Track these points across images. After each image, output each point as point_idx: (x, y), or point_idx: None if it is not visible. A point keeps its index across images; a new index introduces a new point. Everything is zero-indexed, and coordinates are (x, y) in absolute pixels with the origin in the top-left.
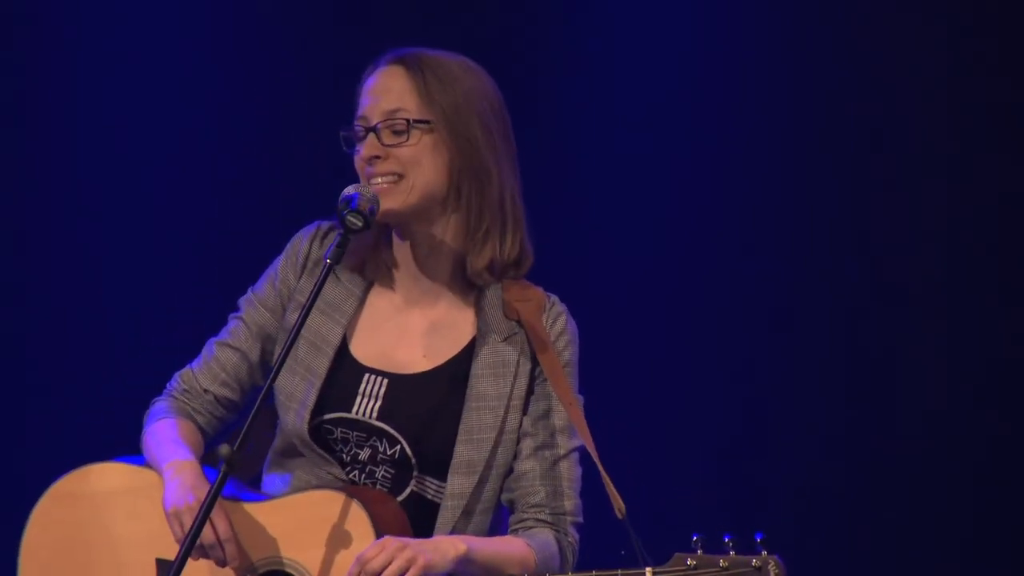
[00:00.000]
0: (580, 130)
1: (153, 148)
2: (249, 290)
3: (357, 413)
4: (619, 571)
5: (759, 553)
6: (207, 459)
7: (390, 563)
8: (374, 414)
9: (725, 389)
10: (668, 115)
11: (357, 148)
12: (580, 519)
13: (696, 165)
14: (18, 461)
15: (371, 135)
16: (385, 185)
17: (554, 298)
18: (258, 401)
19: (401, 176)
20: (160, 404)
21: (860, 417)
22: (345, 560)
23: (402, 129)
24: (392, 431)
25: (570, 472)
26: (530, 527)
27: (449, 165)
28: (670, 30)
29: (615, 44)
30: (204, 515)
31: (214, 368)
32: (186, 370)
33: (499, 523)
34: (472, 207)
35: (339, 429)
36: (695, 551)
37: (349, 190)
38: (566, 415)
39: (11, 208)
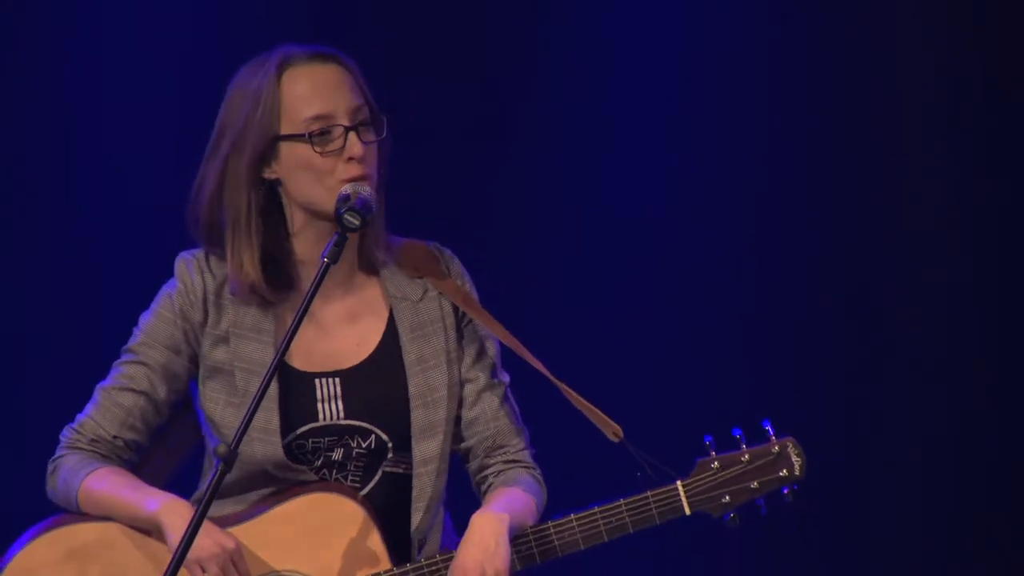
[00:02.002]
0: (579, 129)
1: (153, 148)
2: (137, 334)
3: (324, 419)
4: (648, 493)
5: (771, 439)
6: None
7: None
8: (341, 414)
9: (723, 384)
10: (668, 115)
11: (328, 149)
12: (534, 448)
13: (696, 165)
14: (18, 462)
15: (352, 134)
16: (368, 184)
17: (435, 244)
18: (253, 408)
19: (372, 176)
20: (71, 458)
21: (860, 407)
22: (343, 558)
23: (381, 126)
24: (364, 424)
25: (512, 406)
26: (500, 470)
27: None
28: (669, 30)
29: (615, 44)
30: (193, 530)
31: (118, 414)
32: (85, 419)
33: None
34: (382, 195)
35: (311, 441)
36: (710, 454)
37: (345, 190)
38: (494, 352)
39: (11, 208)
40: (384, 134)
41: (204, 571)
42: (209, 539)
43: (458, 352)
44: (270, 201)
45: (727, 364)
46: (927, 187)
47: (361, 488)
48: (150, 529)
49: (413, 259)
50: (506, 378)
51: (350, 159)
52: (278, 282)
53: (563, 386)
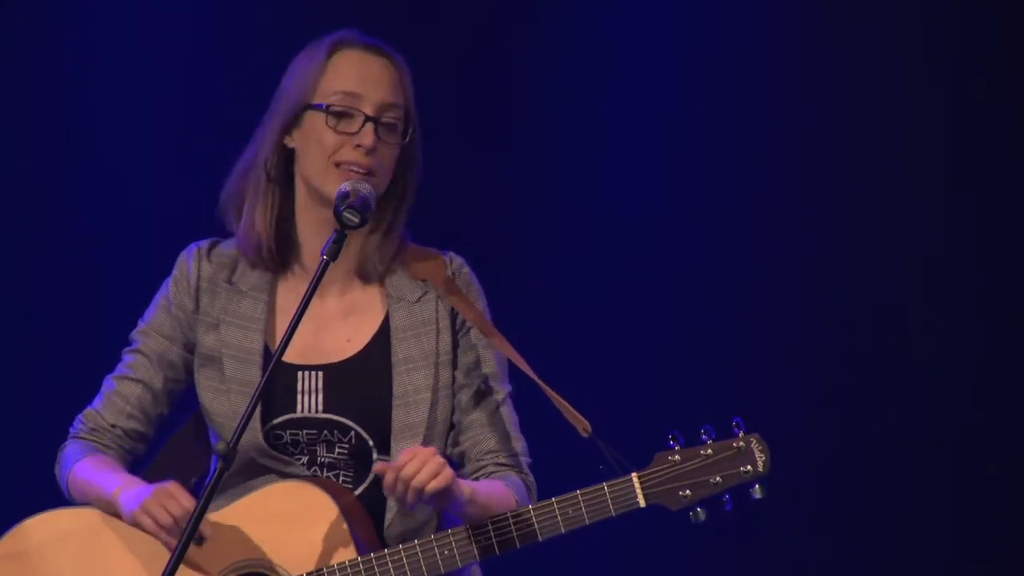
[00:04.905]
0: (579, 129)
1: (153, 148)
2: (140, 322)
3: (302, 411)
4: (604, 485)
5: (738, 434)
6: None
7: (423, 468)
8: (319, 407)
9: (723, 383)
10: (668, 115)
11: (341, 128)
12: (530, 458)
13: (696, 165)
14: (19, 462)
15: (370, 124)
16: (363, 178)
17: (450, 253)
18: (249, 409)
19: (373, 174)
20: (71, 448)
21: (859, 409)
22: (308, 544)
23: (403, 129)
24: (342, 419)
25: (511, 415)
26: (491, 472)
27: (395, 166)
28: (669, 30)
29: (615, 44)
30: (194, 526)
31: (117, 403)
32: (88, 410)
33: None
34: (395, 206)
35: (288, 432)
36: (673, 447)
37: (344, 187)
38: (494, 362)
39: (11, 208)
40: (405, 140)
41: (151, 516)
42: (152, 488)
43: (450, 356)
44: (287, 174)
45: (727, 364)
46: (927, 187)
47: (354, 490)
48: (117, 513)
49: (419, 263)
50: (506, 388)
51: (358, 146)
52: (280, 255)
53: (542, 383)
